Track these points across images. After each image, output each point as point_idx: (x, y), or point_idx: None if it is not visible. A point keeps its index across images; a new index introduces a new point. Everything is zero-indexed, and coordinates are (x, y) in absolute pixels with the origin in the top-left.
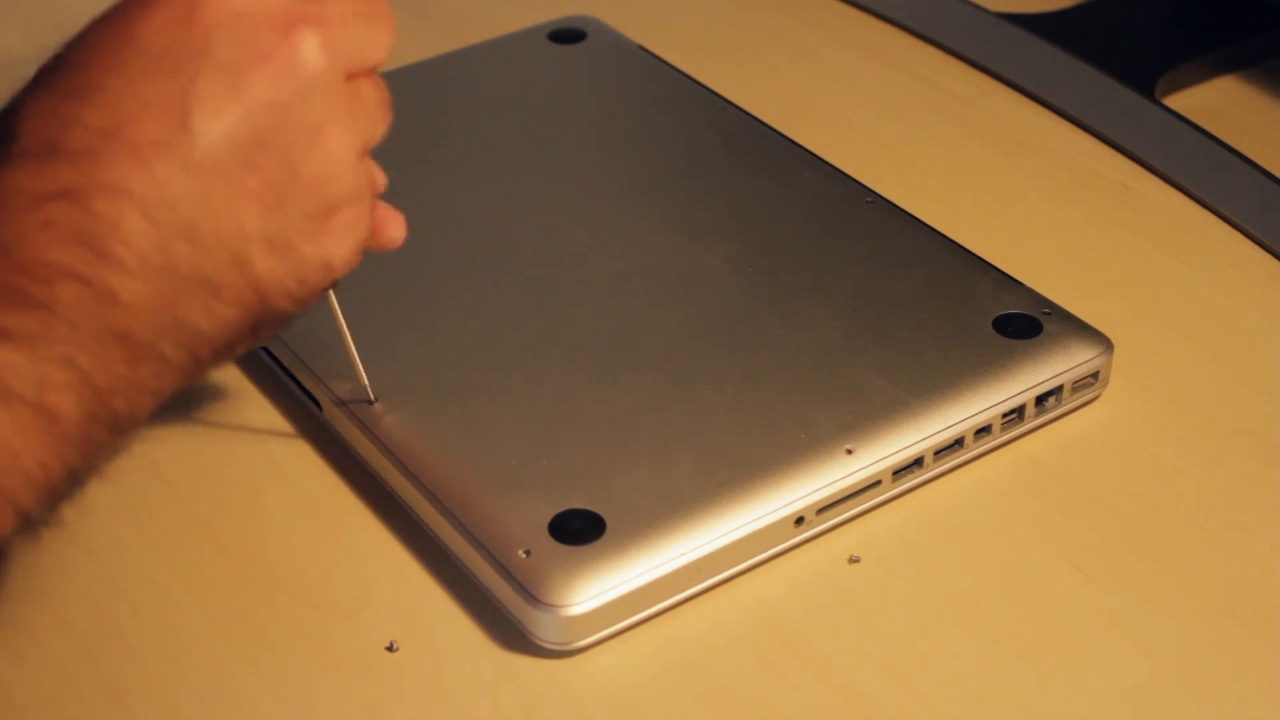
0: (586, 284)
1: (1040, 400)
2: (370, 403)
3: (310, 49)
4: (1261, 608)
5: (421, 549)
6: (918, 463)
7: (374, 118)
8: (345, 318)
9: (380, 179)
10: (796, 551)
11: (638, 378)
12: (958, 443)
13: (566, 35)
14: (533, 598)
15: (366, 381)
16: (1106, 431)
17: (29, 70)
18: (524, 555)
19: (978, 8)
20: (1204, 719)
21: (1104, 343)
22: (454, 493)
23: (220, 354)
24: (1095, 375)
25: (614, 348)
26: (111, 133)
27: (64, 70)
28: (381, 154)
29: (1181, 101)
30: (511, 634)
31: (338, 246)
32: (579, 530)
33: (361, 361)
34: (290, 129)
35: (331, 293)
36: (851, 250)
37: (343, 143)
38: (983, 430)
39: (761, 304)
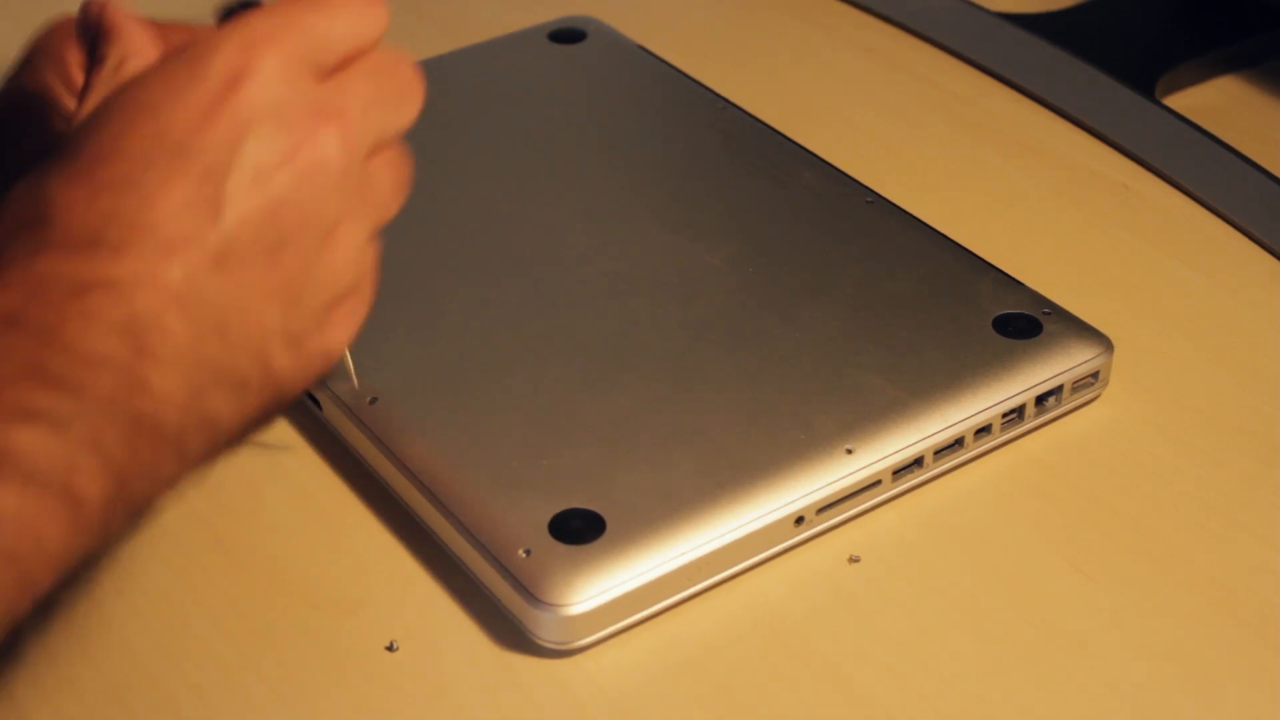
0: (586, 284)
1: (1040, 400)
2: (372, 401)
3: (332, 148)
4: (1261, 608)
5: (421, 549)
6: (918, 463)
7: (387, 201)
8: None
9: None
10: (796, 551)
11: (638, 378)
12: (958, 443)
13: (566, 35)
14: (533, 597)
15: (356, 383)
16: (1106, 431)
17: None
18: (524, 555)
19: (978, 8)
20: (1204, 719)
21: (1104, 343)
22: (454, 492)
23: (233, 443)
24: (1095, 375)
25: (614, 348)
26: (150, 229)
27: (96, 156)
28: None
29: (1181, 101)
30: (511, 634)
31: (338, 334)
32: (579, 530)
33: (361, 361)
34: (309, 228)
35: None
36: (851, 250)
37: (353, 237)
38: (983, 430)
39: (761, 304)
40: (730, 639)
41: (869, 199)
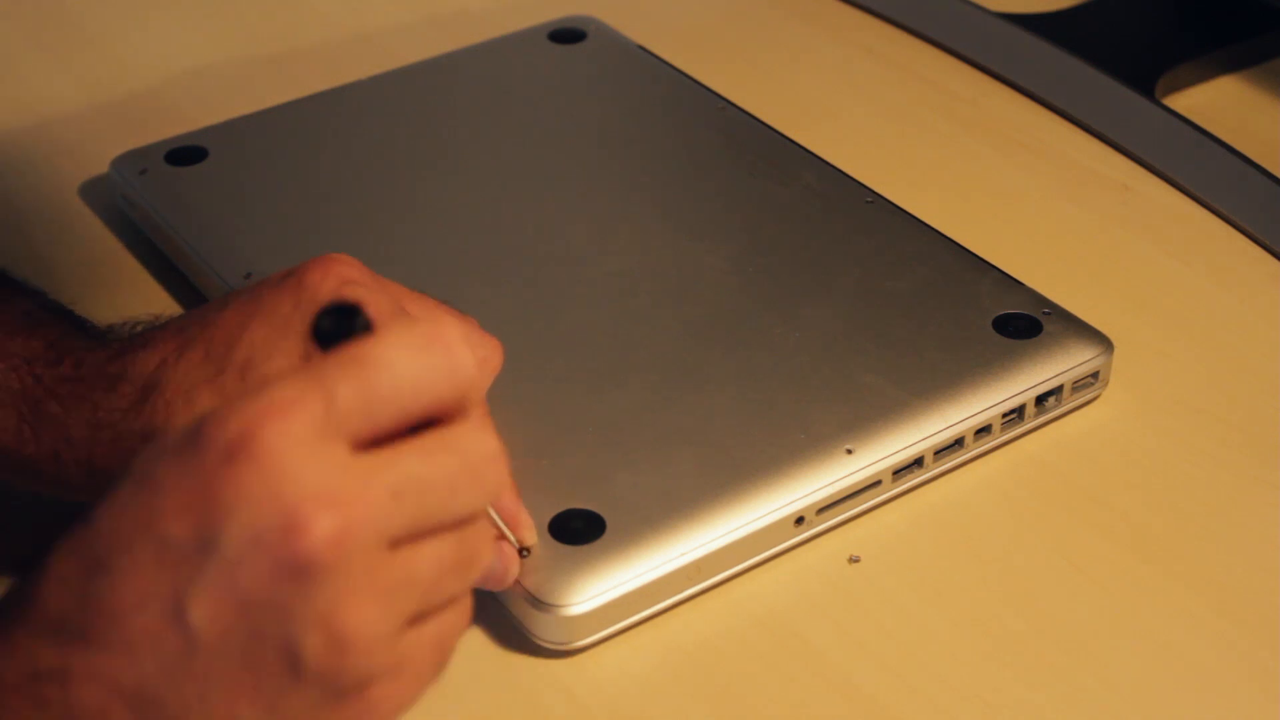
0: (586, 284)
1: (1040, 400)
2: None
3: (318, 541)
4: (1261, 608)
5: None
6: (918, 463)
7: (434, 585)
8: None
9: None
10: (796, 551)
11: (638, 378)
12: (958, 443)
13: (566, 35)
14: (533, 597)
15: None
16: (1106, 431)
17: (29, 69)
18: (524, 555)
19: (978, 8)
20: (1204, 719)
21: (1104, 343)
22: None
23: None
24: (1095, 375)
25: (614, 348)
26: (111, 619)
27: (98, 525)
28: (382, 153)
29: (1181, 101)
30: (511, 634)
31: None
32: (579, 530)
33: None
34: (291, 624)
35: None
36: (851, 250)
37: (361, 627)
38: (983, 430)
39: (761, 304)
40: (730, 639)
41: (869, 199)
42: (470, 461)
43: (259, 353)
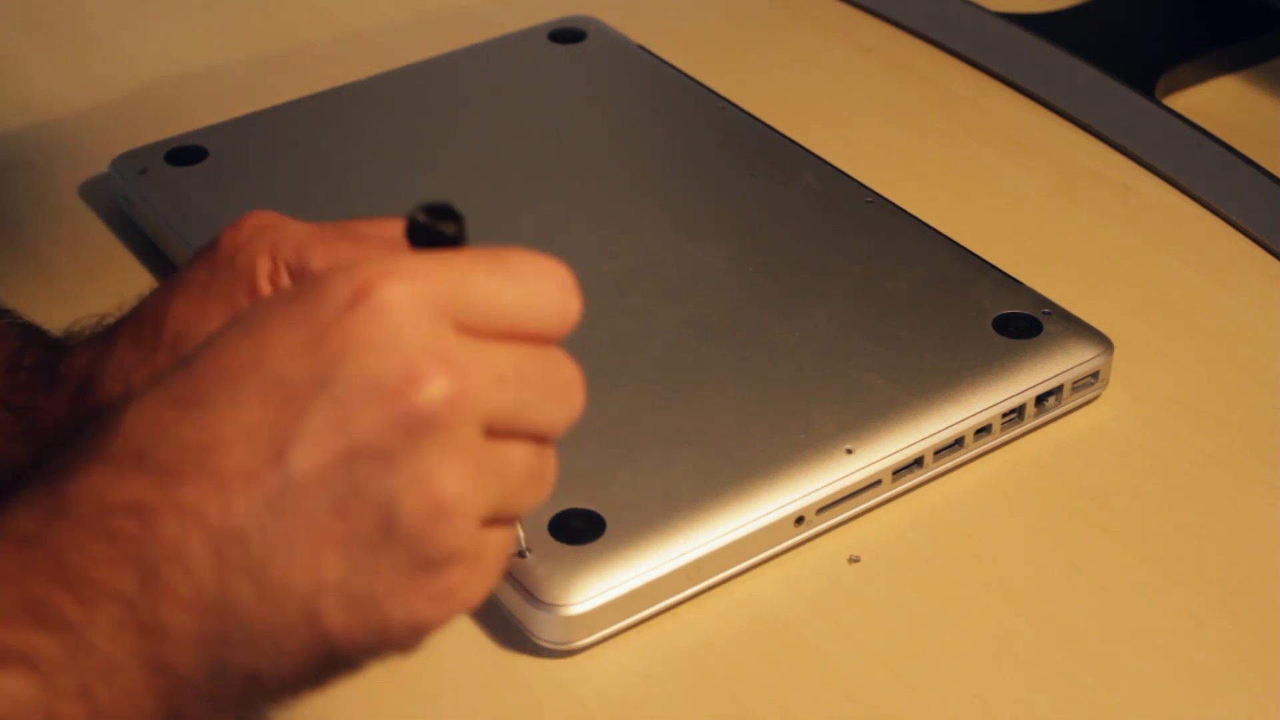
0: (586, 284)
1: (1040, 400)
2: None
3: (435, 398)
4: (1261, 608)
5: None
6: (918, 462)
7: (517, 487)
8: None
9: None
10: (796, 551)
11: (638, 378)
12: (958, 442)
13: (566, 35)
14: (533, 597)
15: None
16: (1106, 431)
17: (29, 69)
18: (524, 556)
19: (978, 8)
20: (1204, 719)
21: (1104, 343)
22: None
23: (277, 695)
24: (1095, 375)
25: (614, 348)
26: (202, 453)
27: (185, 372)
28: (382, 153)
29: (1181, 101)
30: (511, 634)
31: (432, 610)
32: (579, 530)
33: None
34: (394, 478)
35: None
36: (851, 250)
37: (459, 498)
38: (983, 430)
39: (761, 304)
40: (730, 639)
41: (869, 199)
42: (559, 378)
43: (186, 325)
